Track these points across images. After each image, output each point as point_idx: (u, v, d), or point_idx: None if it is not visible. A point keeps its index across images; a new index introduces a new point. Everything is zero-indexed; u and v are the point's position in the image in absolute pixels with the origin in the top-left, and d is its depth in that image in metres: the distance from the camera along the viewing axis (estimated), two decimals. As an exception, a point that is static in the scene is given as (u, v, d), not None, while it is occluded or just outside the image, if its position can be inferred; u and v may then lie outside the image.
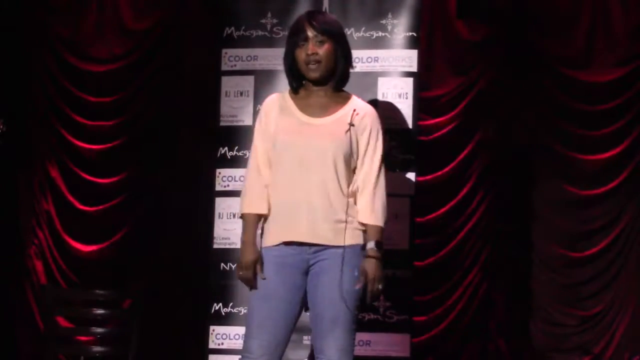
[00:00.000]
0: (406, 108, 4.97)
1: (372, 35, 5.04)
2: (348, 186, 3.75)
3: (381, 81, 5.02)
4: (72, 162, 6.30)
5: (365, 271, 3.68)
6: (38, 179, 6.30)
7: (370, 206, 3.76)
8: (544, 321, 6.12)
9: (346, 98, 3.85)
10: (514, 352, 6.10)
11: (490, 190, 6.15)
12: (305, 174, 3.70)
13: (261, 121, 3.85)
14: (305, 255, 3.71)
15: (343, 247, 3.69)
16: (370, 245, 3.72)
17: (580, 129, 6.11)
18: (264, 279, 3.71)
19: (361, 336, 4.86)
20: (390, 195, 4.86)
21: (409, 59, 5.01)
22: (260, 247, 3.78)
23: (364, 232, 3.76)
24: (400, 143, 4.92)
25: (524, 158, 6.18)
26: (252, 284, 3.73)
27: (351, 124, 3.76)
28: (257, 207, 3.79)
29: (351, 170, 3.78)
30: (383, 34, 5.03)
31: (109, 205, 6.27)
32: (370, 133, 3.80)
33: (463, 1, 6.17)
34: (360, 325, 4.80)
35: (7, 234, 6.23)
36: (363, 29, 5.03)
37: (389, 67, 5.03)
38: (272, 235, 3.75)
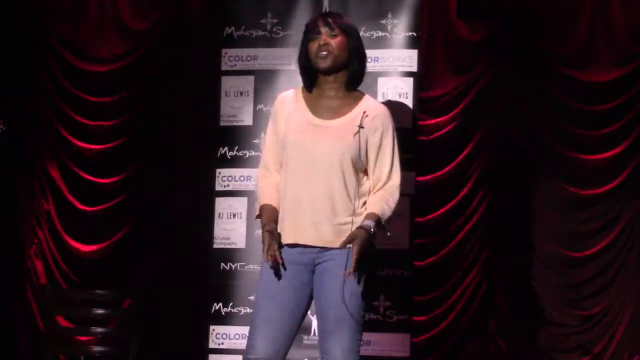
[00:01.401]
0: (406, 108, 4.97)
1: (372, 35, 5.05)
2: (355, 189, 3.74)
3: (381, 81, 5.02)
4: (72, 162, 6.30)
5: (354, 236, 3.60)
6: (38, 179, 6.30)
7: (376, 201, 3.73)
8: (544, 321, 6.12)
9: (357, 98, 3.83)
10: (514, 352, 6.10)
11: (490, 190, 6.15)
12: (312, 176, 3.70)
13: (272, 120, 3.85)
14: (312, 254, 3.71)
15: (347, 249, 3.68)
16: (367, 222, 3.65)
17: (580, 129, 6.11)
18: (280, 263, 3.65)
19: (361, 336, 4.87)
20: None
21: (409, 59, 5.02)
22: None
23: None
24: (400, 143, 4.91)
25: (524, 158, 6.18)
26: (271, 254, 3.62)
27: (360, 126, 3.75)
28: (269, 199, 3.75)
29: (359, 173, 3.77)
30: (383, 34, 5.04)
31: (109, 205, 6.27)
32: (382, 134, 3.78)
33: (463, 1, 6.17)
34: (360, 325, 4.81)
35: (7, 234, 6.23)
36: (363, 29, 5.03)
37: (389, 67, 5.04)
38: (282, 234, 3.73)
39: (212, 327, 5.14)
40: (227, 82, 5.27)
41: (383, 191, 3.75)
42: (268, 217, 3.71)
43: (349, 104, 3.80)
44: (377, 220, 3.67)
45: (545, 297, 6.12)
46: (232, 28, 5.29)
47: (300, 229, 3.69)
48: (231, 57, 5.28)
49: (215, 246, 5.18)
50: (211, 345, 5.14)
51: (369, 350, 4.89)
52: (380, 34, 5.04)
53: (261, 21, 5.25)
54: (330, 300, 3.66)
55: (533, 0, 6.17)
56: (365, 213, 3.71)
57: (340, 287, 3.64)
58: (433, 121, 6.18)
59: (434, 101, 6.19)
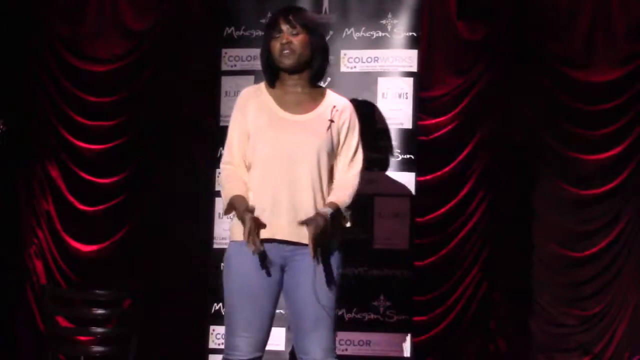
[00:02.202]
0: (406, 108, 4.98)
1: (372, 35, 5.04)
2: (328, 184, 3.77)
3: (381, 81, 5.02)
4: (72, 162, 6.30)
5: (311, 220, 3.61)
6: (38, 179, 6.30)
7: (339, 190, 3.76)
8: (544, 321, 6.12)
9: (322, 94, 3.87)
10: (514, 352, 6.10)
11: (490, 190, 6.15)
12: (290, 172, 3.71)
13: (237, 116, 3.83)
14: (283, 252, 3.72)
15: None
16: (324, 209, 3.67)
17: (580, 129, 6.11)
18: (261, 248, 3.61)
19: (361, 336, 4.87)
20: (391, 195, 4.90)
21: (409, 59, 5.02)
22: (231, 240, 3.79)
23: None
24: (400, 143, 4.92)
25: (524, 158, 6.18)
26: (254, 238, 3.58)
27: (331, 120, 3.78)
28: (239, 190, 3.73)
29: (331, 167, 3.80)
30: (383, 34, 5.03)
31: (109, 205, 6.27)
32: (348, 127, 3.83)
33: (463, 1, 6.17)
34: (360, 325, 4.83)
35: (7, 234, 6.23)
36: (363, 29, 5.03)
37: (389, 67, 5.03)
38: None
39: (212, 327, 5.14)
40: (227, 82, 5.26)
41: (344, 181, 3.79)
42: (246, 206, 3.64)
43: (315, 99, 3.83)
44: (336, 208, 3.70)
45: (545, 297, 6.12)
46: (232, 28, 5.28)
47: (279, 225, 3.69)
48: (231, 57, 5.27)
49: (215, 246, 5.18)
50: (211, 345, 5.14)
51: (369, 350, 4.89)
52: (380, 34, 5.04)
53: (261, 21, 5.24)
54: (308, 299, 3.67)
55: (533, 0, 6.17)
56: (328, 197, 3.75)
57: (318, 286, 3.65)
58: (433, 121, 6.18)
59: (434, 101, 6.19)
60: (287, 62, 3.77)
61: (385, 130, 4.93)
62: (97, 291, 5.48)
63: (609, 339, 6.02)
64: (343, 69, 5.01)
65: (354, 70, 5.00)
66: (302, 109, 3.80)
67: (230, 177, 3.79)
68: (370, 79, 4.98)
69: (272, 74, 3.84)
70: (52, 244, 6.26)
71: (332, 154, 3.77)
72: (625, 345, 6.00)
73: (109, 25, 6.34)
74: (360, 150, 3.85)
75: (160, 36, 6.31)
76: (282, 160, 3.71)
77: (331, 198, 3.74)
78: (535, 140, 6.17)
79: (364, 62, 5.01)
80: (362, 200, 4.82)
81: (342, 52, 5.02)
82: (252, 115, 3.79)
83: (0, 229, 6.18)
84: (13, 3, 6.25)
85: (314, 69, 3.82)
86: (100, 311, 5.25)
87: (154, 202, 6.23)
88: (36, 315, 6.16)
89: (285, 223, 3.69)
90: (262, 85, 3.88)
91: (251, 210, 3.63)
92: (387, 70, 5.04)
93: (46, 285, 5.95)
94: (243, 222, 3.61)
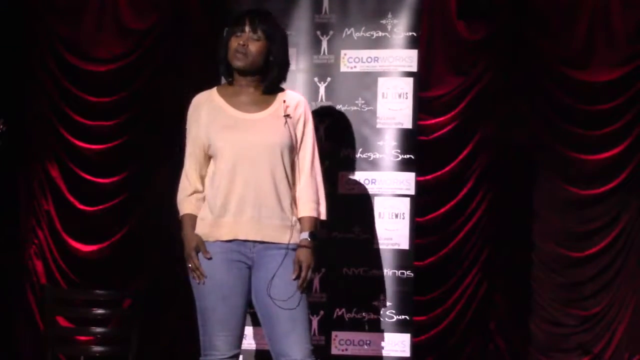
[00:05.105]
0: (406, 108, 4.97)
1: (372, 35, 5.04)
2: (292, 180, 3.79)
3: (381, 81, 5.01)
4: (72, 162, 6.30)
5: (299, 260, 3.71)
6: (38, 179, 6.30)
7: (307, 196, 3.80)
8: (544, 321, 6.12)
9: (275, 92, 3.87)
10: (514, 352, 6.10)
11: (490, 190, 6.15)
12: (249, 170, 3.72)
13: (191, 126, 3.86)
14: (249, 253, 3.74)
15: (287, 245, 3.72)
16: (304, 235, 3.74)
17: (580, 129, 6.12)
18: (210, 258, 3.73)
19: (361, 336, 4.86)
20: (390, 195, 4.90)
21: (409, 58, 5.01)
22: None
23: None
24: (400, 143, 4.92)
25: (524, 158, 6.18)
26: (201, 272, 3.73)
27: (287, 116, 3.77)
28: (190, 209, 3.91)
29: (293, 162, 3.81)
30: (383, 34, 5.02)
31: (109, 205, 6.26)
32: (304, 122, 3.84)
33: (463, 1, 6.17)
34: (360, 325, 4.82)
35: (7, 234, 6.22)
36: (363, 29, 5.02)
37: (389, 67, 5.02)
38: (216, 231, 3.77)
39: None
40: (227, 82, 5.26)
41: (310, 187, 3.81)
42: (187, 228, 3.87)
43: (268, 97, 3.83)
44: (314, 223, 3.77)
45: (545, 297, 6.13)
46: (232, 28, 5.27)
47: (243, 225, 3.72)
48: (231, 57, 5.26)
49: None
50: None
51: (369, 350, 4.89)
52: (380, 34, 5.03)
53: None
54: (281, 301, 3.67)
55: (533, 0, 6.17)
56: (298, 208, 3.79)
57: (291, 288, 3.67)
58: (433, 121, 6.18)
59: (434, 101, 6.19)
60: (238, 63, 3.77)
61: (385, 130, 4.93)
62: (97, 291, 5.49)
63: (609, 339, 6.02)
64: (343, 69, 5.01)
65: (354, 70, 4.99)
66: (256, 107, 3.81)
67: (181, 191, 4.00)
68: (370, 79, 4.98)
69: (228, 69, 3.85)
70: (52, 244, 6.26)
71: (293, 149, 3.78)
72: (625, 345, 6.01)
73: (109, 25, 6.34)
74: (316, 147, 3.87)
75: (160, 36, 6.31)
76: (243, 160, 3.72)
77: (305, 211, 3.78)
78: (535, 140, 6.17)
79: (364, 62, 5.00)
80: (362, 200, 4.85)
81: (342, 52, 5.01)
82: (206, 121, 3.80)
83: (0, 229, 6.18)
84: (13, 3, 6.24)
85: (269, 80, 3.82)
86: (100, 311, 5.25)
87: (154, 202, 6.23)
88: (36, 315, 6.16)
89: (248, 223, 3.71)
90: (214, 90, 3.90)
91: (196, 249, 3.77)
92: (387, 70, 5.03)
93: (46, 285, 5.95)
94: (189, 256, 3.80)
